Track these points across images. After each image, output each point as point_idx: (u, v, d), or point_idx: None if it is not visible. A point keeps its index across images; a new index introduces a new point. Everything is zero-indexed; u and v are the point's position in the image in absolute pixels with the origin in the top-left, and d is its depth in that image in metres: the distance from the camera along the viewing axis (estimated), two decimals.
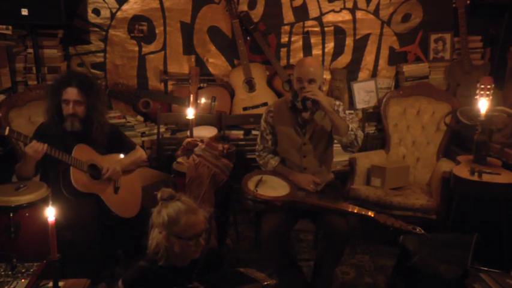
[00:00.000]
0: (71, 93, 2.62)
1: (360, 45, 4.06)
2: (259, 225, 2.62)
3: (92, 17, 3.79)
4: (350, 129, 2.65)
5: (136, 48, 3.90)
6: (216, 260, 2.06)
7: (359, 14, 4.00)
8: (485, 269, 2.20)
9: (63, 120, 2.67)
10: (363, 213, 2.56)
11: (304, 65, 2.69)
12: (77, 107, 2.65)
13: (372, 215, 2.54)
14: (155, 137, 3.83)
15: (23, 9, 3.25)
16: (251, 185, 2.68)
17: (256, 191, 2.60)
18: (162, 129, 3.84)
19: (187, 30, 3.92)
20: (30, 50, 3.55)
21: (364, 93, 4.07)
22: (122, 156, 2.89)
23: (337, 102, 2.81)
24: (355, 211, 2.57)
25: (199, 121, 3.74)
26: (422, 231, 2.40)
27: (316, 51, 4.05)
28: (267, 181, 2.74)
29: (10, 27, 3.26)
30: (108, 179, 2.74)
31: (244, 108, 3.90)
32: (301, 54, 4.04)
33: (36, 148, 2.47)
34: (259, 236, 2.63)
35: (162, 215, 1.83)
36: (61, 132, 2.67)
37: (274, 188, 2.70)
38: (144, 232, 2.85)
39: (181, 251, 1.82)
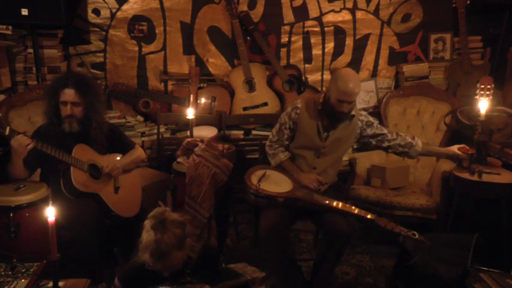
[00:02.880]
0: (68, 94, 2.61)
1: (360, 45, 4.07)
2: (259, 221, 2.63)
3: (92, 17, 3.79)
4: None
5: (136, 48, 3.90)
6: (212, 257, 2.07)
7: (359, 14, 4.00)
8: (485, 269, 2.20)
9: (62, 121, 2.67)
10: (364, 215, 2.56)
11: (349, 88, 2.54)
12: (75, 108, 2.64)
13: (373, 218, 2.53)
14: (155, 137, 3.82)
15: (23, 9, 3.25)
16: (254, 179, 2.68)
17: (259, 185, 2.61)
18: (162, 129, 3.84)
19: (187, 30, 3.92)
20: (30, 50, 3.55)
21: (364, 93, 4.07)
22: (121, 156, 2.89)
23: (363, 113, 2.82)
24: (356, 212, 2.57)
25: (199, 121, 3.74)
26: (422, 238, 2.39)
27: (316, 51, 4.05)
28: (270, 176, 2.75)
29: (10, 27, 3.25)
30: (108, 178, 2.74)
31: (244, 108, 3.90)
32: (301, 54, 4.04)
33: (21, 141, 2.43)
34: (258, 234, 2.64)
35: (143, 234, 1.85)
36: (60, 134, 2.66)
37: (277, 183, 2.70)
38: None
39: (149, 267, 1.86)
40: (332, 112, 2.65)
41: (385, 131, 2.80)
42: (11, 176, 2.64)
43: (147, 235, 1.83)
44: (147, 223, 1.86)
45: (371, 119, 2.81)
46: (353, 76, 2.67)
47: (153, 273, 1.85)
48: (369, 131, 2.79)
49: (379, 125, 2.82)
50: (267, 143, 2.93)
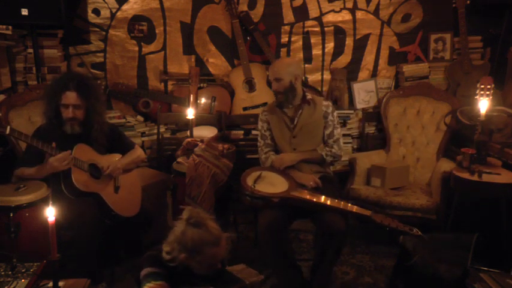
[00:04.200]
0: (70, 97, 2.61)
1: (360, 45, 4.06)
2: (257, 222, 2.64)
3: (92, 17, 3.79)
4: (325, 155, 2.93)
5: (136, 48, 3.90)
6: None
7: (359, 14, 4.00)
8: (485, 269, 2.20)
9: (62, 123, 2.67)
10: (360, 212, 2.56)
11: (272, 65, 2.98)
12: (77, 111, 2.64)
13: (369, 214, 2.54)
14: (155, 137, 3.83)
15: (23, 9, 3.24)
16: (250, 180, 2.69)
17: (254, 186, 2.62)
18: (162, 129, 3.84)
19: (187, 30, 3.92)
20: (30, 50, 3.55)
21: (364, 93, 4.07)
22: (120, 156, 2.89)
23: (325, 103, 3.00)
24: (353, 210, 2.57)
25: (199, 121, 3.74)
26: (419, 233, 2.40)
27: (316, 51, 4.05)
28: (266, 177, 2.75)
29: (10, 27, 3.25)
30: (109, 178, 2.74)
31: (244, 108, 3.90)
32: (301, 54, 4.04)
33: (64, 160, 2.49)
34: (257, 233, 2.65)
35: (186, 237, 1.83)
36: (60, 135, 2.66)
37: (272, 184, 2.71)
38: (144, 231, 2.87)
39: (199, 270, 1.87)
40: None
41: (329, 130, 2.96)
42: (22, 178, 2.67)
43: (196, 235, 1.82)
44: (184, 226, 1.85)
45: (330, 111, 2.96)
46: (284, 59, 3.29)
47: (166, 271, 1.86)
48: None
49: (329, 123, 2.96)
50: (258, 149, 3.08)
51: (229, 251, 1.96)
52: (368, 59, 4.09)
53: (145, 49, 3.91)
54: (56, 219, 1.80)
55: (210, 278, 1.90)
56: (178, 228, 1.86)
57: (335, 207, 2.58)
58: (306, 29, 4.01)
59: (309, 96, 2.96)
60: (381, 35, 4.05)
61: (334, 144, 2.95)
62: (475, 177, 2.78)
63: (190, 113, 3.32)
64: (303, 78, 3.09)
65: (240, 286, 1.93)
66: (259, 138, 3.08)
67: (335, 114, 2.99)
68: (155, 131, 3.82)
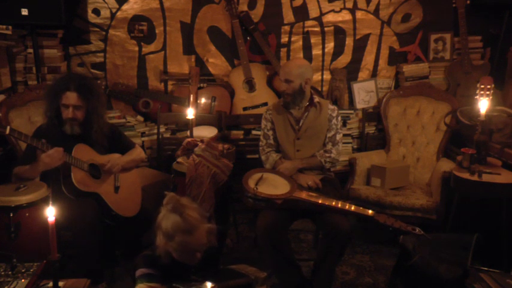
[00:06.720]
0: (71, 98, 2.61)
1: (360, 45, 4.06)
2: (256, 223, 2.64)
3: (92, 17, 3.79)
4: (325, 162, 2.94)
5: (136, 48, 3.90)
6: (212, 256, 2.08)
7: (359, 14, 4.00)
8: (485, 269, 2.20)
9: (62, 123, 2.67)
10: (363, 212, 2.57)
11: (283, 66, 3.02)
12: (77, 112, 2.64)
13: (372, 215, 2.54)
14: (155, 137, 3.83)
15: (23, 9, 3.25)
16: (252, 182, 2.69)
17: (257, 188, 2.61)
18: (162, 129, 3.84)
19: (187, 30, 3.92)
20: (30, 50, 3.55)
21: (364, 93, 4.07)
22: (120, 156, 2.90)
23: (331, 107, 3.01)
24: (356, 210, 2.57)
25: (199, 121, 3.74)
26: (422, 232, 2.40)
27: (316, 51, 4.05)
28: (267, 179, 2.75)
29: (10, 27, 3.26)
30: (108, 177, 2.74)
31: (244, 108, 3.90)
32: (301, 54, 4.04)
33: (56, 157, 2.48)
34: (256, 234, 2.66)
35: (163, 222, 1.86)
36: (60, 135, 2.66)
37: (274, 186, 2.70)
38: (144, 231, 2.86)
39: (178, 257, 1.88)
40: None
41: (331, 133, 2.97)
42: (21, 178, 2.65)
43: (170, 221, 1.84)
44: (164, 211, 1.88)
45: (335, 115, 2.98)
46: (296, 60, 3.29)
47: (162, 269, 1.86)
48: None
49: (333, 126, 2.97)
50: (260, 149, 3.08)
51: (212, 243, 1.95)
52: (368, 59, 4.09)
53: (145, 49, 3.91)
54: (56, 219, 1.80)
55: (208, 274, 1.90)
56: (160, 214, 1.90)
57: (338, 208, 2.58)
58: (306, 29, 4.01)
59: (316, 99, 2.96)
60: (381, 35, 4.05)
61: (333, 149, 2.95)
62: (475, 177, 2.78)
63: (190, 113, 3.31)
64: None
65: (246, 281, 1.93)
66: (261, 138, 3.08)
67: (339, 118, 3.00)
68: (155, 131, 3.83)
